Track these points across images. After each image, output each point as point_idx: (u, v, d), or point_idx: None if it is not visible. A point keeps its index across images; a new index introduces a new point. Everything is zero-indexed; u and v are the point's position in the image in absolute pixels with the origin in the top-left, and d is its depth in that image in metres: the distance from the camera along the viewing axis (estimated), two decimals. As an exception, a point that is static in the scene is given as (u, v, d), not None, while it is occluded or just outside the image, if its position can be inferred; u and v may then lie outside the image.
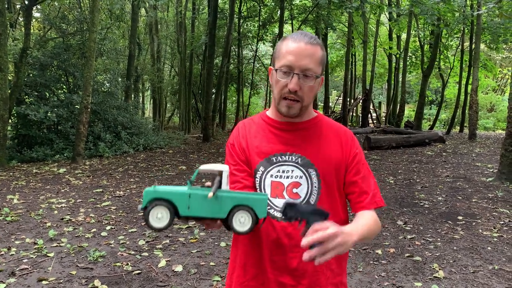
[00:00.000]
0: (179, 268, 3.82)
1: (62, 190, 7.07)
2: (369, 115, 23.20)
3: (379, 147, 12.94)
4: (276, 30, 20.93)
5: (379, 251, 4.30)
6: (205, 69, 17.51)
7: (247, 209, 1.07)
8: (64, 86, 12.90)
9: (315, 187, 1.34)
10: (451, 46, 23.02)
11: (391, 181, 8.06)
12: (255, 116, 1.51)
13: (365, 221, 1.32)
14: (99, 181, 7.90)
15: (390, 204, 6.30)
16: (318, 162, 1.35)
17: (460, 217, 5.54)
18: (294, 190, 1.34)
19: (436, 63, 20.08)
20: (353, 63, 27.65)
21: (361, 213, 1.36)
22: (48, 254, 4.12)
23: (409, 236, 4.78)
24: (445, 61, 22.58)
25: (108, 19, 16.44)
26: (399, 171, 9.17)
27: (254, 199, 1.08)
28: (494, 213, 5.71)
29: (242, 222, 1.08)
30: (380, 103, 29.90)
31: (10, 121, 11.05)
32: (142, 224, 5.23)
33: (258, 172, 1.37)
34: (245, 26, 21.86)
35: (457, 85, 21.75)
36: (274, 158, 1.36)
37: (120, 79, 15.04)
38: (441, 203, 6.34)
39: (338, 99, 28.34)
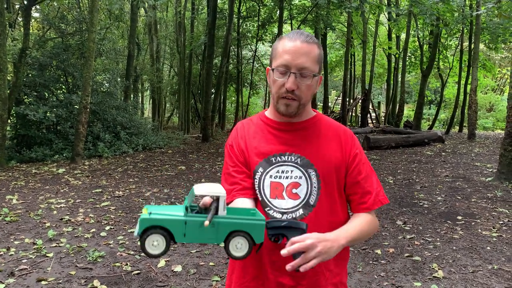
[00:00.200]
0: (178, 268, 3.82)
1: (61, 190, 7.06)
2: (369, 115, 23.21)
3: (378, 147, 12.95)
4: (276, 30, 20.92)
5: (379, 251, 4.30)
6: (205, 69, 17.51)
7: (244, 235, 1.06)
8: (63, 86, 12.88)
9: (315, 187, 1.33)
10: (450, 46, 23.04)
11: (390, 181, 8.07)
12: (253, 116, 1.51)
13: (356, 223, 1.33)
14: (98, 181, 7.89)
15: (390, 204, 6.30)
16: (317, 162, 1.34)
17: (459, 217, 5.54)
18: (294, 191, 1.33)
19: (435, 63, 20.10)
20: (352, 63, 27.65)
21: (354, 216, 1.37)
22: (47, 254, 4.11)
23: (408, 236, 4.78)
24: (444, 61, 22.59)
25: (107, 19, 16.43)
26: (399, 171, 9.17)
27: (251, 225, 1.07)
28: (493, 213, 5.72)
29: (238, 248, 1.07)
30: (379, 103, 29.92)
31: (9, 121, 11.03)
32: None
33: (257, 173, 1.36)
34: (244, 26, 21.86)
35: (456, 85, 21.77)
36: (273, 159, 1.36)
37: (119, 79, 15.04)
38: (440, 203, 6.34)
39: (337, 99, 28.36)
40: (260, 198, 1.35)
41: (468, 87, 18.00)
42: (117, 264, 3.92)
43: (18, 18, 14.50)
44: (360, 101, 23.50)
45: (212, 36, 15.54)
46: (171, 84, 26.16)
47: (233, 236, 1.06)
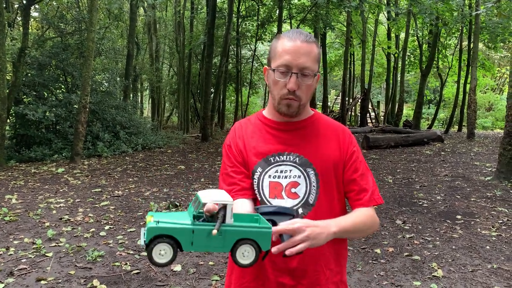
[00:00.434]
0: (178, 268, 3.82)
1: (61, 190, 7.06)
2: (368, 114, 23.20)
3: (377, 147, 12.95)
4: (275, 30, 20.92)
5: (378, 250, 4.30)
6: (204, 69, 17.49)
7: (251, 242, 1.06)
8: (63, 86, 12.86)
9: (314, 186, 1.33)
10: (449, 45, 23.03)
11: (389, 181, 8.07)
12: (251, 116, 1.51)
13: (353, 215, 1.33)
14: (97, 181, 7.89)
15: (389, 203, 6.31)
16: (316, 161, 1.34)
17: (458, 216, 5.55)
18: (293, 190, 1.33)
19: (434, 62, 20.09)
20: (352, 63, 27.65)
21: (355, 209, 1.37)
22: (46, 254, 4.11)
23: (408, 235, 4.79)
24: (444, 61, 22.58)
25: (107, 19, 16.41)
26: (398, 171, 9.18)
27: (258, 233, 1.07)
28: (492, 212, 5.72)
29: (245, 256, 1.07)
30: (378, 102, 29.90)
31: (8, 120, 11.02)
32: (141, 224, 5.23)
33: (256, 173, 1.36)
34: (243, 26, 21.85)
35: (456, 85, 21.77)
36: (272, 158, 1.36)
37: (118, 79, 14.99)
38: (439, 202, 6.35)
39: (336, 98, 28.34)
40: (259, 198, 1.35)
41: (467, 86, 18.00)
42: (117, 263, 3.92)
43: (17, 17, 14.49)
44: (359, 100, 23.49)
45: (212, 36, 15.53)
46: (170, 83, 26.14)
47: (240, 244, 1.06)
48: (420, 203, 6.28)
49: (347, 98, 23.23)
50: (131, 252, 4.24)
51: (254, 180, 1.36)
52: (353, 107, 25.63)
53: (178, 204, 6.11)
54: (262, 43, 23.28)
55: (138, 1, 12.67)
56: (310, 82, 1.30)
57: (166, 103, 28.68)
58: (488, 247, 4.40)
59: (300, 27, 19.34)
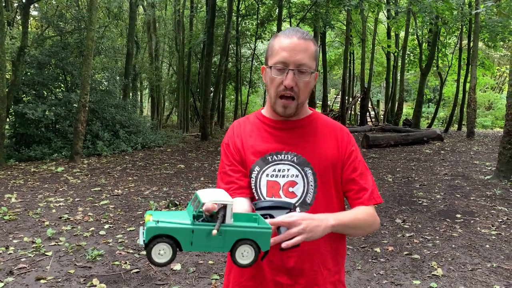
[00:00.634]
0: (177, 267, 3.82)
1: (60, 189, 7.06)
2: (368, 113, 23.20)
3: (377, 145, 12.95)
4: (275, 28, 20.90)
5: (378, 249, 4.30)
6: (203, 68, 17.48)
7: (250, 243, 1.06)
8: (62, 85, 12.85)
9: (311, 185, 1.33)
10: (449, 44, 23.01)
11: (389, 179, 8.07)
12: (250, 115, 1.50)
13: (354, 211, 1.33)
14: (97, 180, 7.89)
15: (389, 202, 6.31)
16: (314, 160, 1.34)
17: (458, 215, 5.55)
18: (290, 189, 1.33)
19: (434, 61, 20.08)
20: (352, 62, 27.64)
21: (356, 207, 1.36)
22: (46, 253, 4.11)
23: (407, 234, 4.79)
24: (443, 59, 22.56)
25: (106, 18, 16.39)
26: (398, 169, 9.18)
27: (257, 233, 1.07)
28: (492, 211, 5.72)
29: (245, 256, 1.06)
30: (378, 101, 29.89)
31: (8, 119, 11.01)
32: (141, 223, 5.23)
33: (253, 172, 1.36)
34: (243, 24, 21.82)
35: (455, 83, 21.75)
36: (269, 157, 1.35)
37: (118, 78, 14.97)
38: (439, 201, 6.35)
39: (336, 97, 28.33)
40: (256, 197, 1.35)
41: (467, 85, 17.98)
42: (116, 262, 3.92)
43: (17, 16, 14.47)
44: (359, 99, 23.49)
45: (211, 34, 15.52)
46: (170, 82, 26.11)
47: (239, 244, 1.05)
48: (420, 202, 6.28)
49: (346, 97, 23.21)
50: (131, 251, 4.24)
51: (252, 179, 1.36)
52: (353, 106, 25.63)
53: (177, 203, 6.11)
54: (262, 42, 23.25)
55: (138, 0, 12.66)
56: (308, 79, 1.29)
57: (166, 102, 28.66)
58: (487, 246, 4.40)
59: (299, 26, 19.32)
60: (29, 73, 11.70)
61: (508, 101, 7.63)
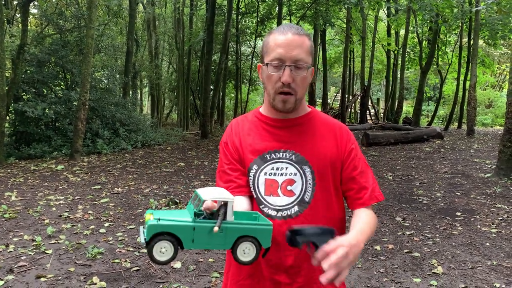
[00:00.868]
0: (177, 265, 3.82)
1: (60, 187, 7.06)
2: (368, 111, 23.19)
3: (377, 143, 12.95)
4: (275, 26, 20.81)
5: (378, 247, 4.30)
6: (203, 66, 17.45)
7: (252, 240, 1.06)
8: (62, 83, 12.84)
9: (310, 184, 1.32)
10: (449, 42, 22.99)
11: (389, 177, 8.07)
12: (248, 113, 1.50)
13: (365, 223, 1.29)
14: (97, 178, 7.88)
15: (389, 200, 6.31)
16: (312, 158, 1.33)
17: (458, 213, 5.55)
18: (289, 188, 1.32)
19: (434, 59, 20.06)
20: (352, 60, 27.60)
21: (359, 214, 1.35)
22: (46, 251, 4.11)
23: (407, 232, 4.79)
24: (443, 57, 22.56)
25: (106, 15, 16.35)
26: (398, 167, 9.18)
27: (259, 230, 1.07)
28: (492, 209, 5.72)
29: (246, 253, 1.06)
30: (378, 99, 29.89)
31: (7, 118, 11.01)
32: (141, 221, 5.22)
33: (251, 171, 1.35)
34: (243, 22, 21.79)
35: (455, 81, 21.73)
36: (267, 156, 1.34)
37: (118, 76, 14.95)
38: (439, 199, 6.35)
39: (336, 95, 28.33)
40: (255, 196, 1.34)
41: (467, 83, 17.97)
42: (116, 260, 3.92)
43: (16, 14, 14.44)
44: (359, 97, 23.47)
45: (211, 32, 15.49)
46: (170, 80, 26.10)
47: (241, 241, 1.05)
48: (420, 200, 6.28)
49: (346, 95, 23.18)
50: (131, 249, 4.24)
51: (250, 177, 1.35)
52: (353, 104, 25.61)
53: (177, 201, 6.11)
54: (262, 40, 23.17)
55: (137, -2, 12.63)
56: (304, 75, 1.28)
57: (166, 100, 28.64)
58: (488, 244, 4.40)
59: (299, 24, 19.30)
60: (29, 71, 11.68)
61: (508, 99, 7.62)
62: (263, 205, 1.32)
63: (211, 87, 17.74)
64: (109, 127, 12.49)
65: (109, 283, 3.46)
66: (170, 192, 6.84)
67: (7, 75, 10.90)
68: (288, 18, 20.85)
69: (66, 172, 8.38)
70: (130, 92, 16.48)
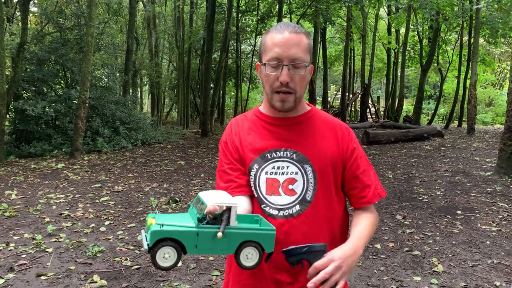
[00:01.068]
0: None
1: (61, 185, 7.06)
2: (368, 109, 23.18)
3: (377, 142, 12.94)
4: (275, 24, 20.81)
5: (378, 246, 4.30)
6: (203, 64, 17.44)
7: (255, 245, 1.06)
8: (62, 81, 12.83)
9: (311, 183, 1.32)
10: (450, 40, 22.96)
11: (390, 176, 8.07)
12: (248, 112, 1.49)
13: (365, 227, 1.34)
14: (97, 176, 7.88)
15: (389, 198, 6.31)
16: (313, 157, 1.32)
17: (459, 212, 5.55)
18: (290, 187, 1.31)
19: (434, 57, 20.05)
20: (352, 58, 27.57)
21: (359, 216, 1.36)
22: (46, 250, 4.11)
23: (408, 231, 4.79)
24: (444, 56, 22.53)
25: (106, 14, 16.33)
26: (398, 166, 9.17)
27: (262, 235, 1.06)
28: (492, 207, 5.72)
29: (249, 258, 1.06)
30: (378, 97, 29.88)
31: (7, 116, 11.00)
32: (141, 219, 5.23)
33: (252, 170, 1.34)
34: (243, 20, 21.75)
35: (456, 80, 21.73)
36: (268, 155, 1.34)
37: (118, 74, 14.94)
38: (440, 197, 6.35)
39: (336, 93, 28.32)
40: (256, 195, 1.34)
41: (468, 81, 17.96)
42: (117, 259, 3.92)
43: (16, 12, 14.42)
44: (359, 95, 23.47)
45: (211, 31, 15.47)
46: (170, 79, 26.08)
47: (244, 246, 1.05)
48: (420, 198, 6.28)
49: (347, 94, 23.18)
50: (131, 247, 4.24)
51: (251, 177, 1.34)
52: (353, 103, 25.61)
53: (178, 199, 6.11)
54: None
55: (138, -4, 12.61)
56: (303, 73, 1.28)
57: (166, 98, 28.63)
58: (488, 242, 4.40)
59: (300, 22, 19.28)
60: (28, 70, 11.67)
61: (509, 98, 7.61)
62: (264, 205, 1.32)
63: (211, 85, 17.74)
64: (109, 126, 12.48)
65: (110, 281, 3.46)
66: (170, 191, 6.84)
67: (7, 73, 10.89)
68: (289, 16, 20.82)
69: (67, 171, 8.38)
70: (130, 91, 16.48)
